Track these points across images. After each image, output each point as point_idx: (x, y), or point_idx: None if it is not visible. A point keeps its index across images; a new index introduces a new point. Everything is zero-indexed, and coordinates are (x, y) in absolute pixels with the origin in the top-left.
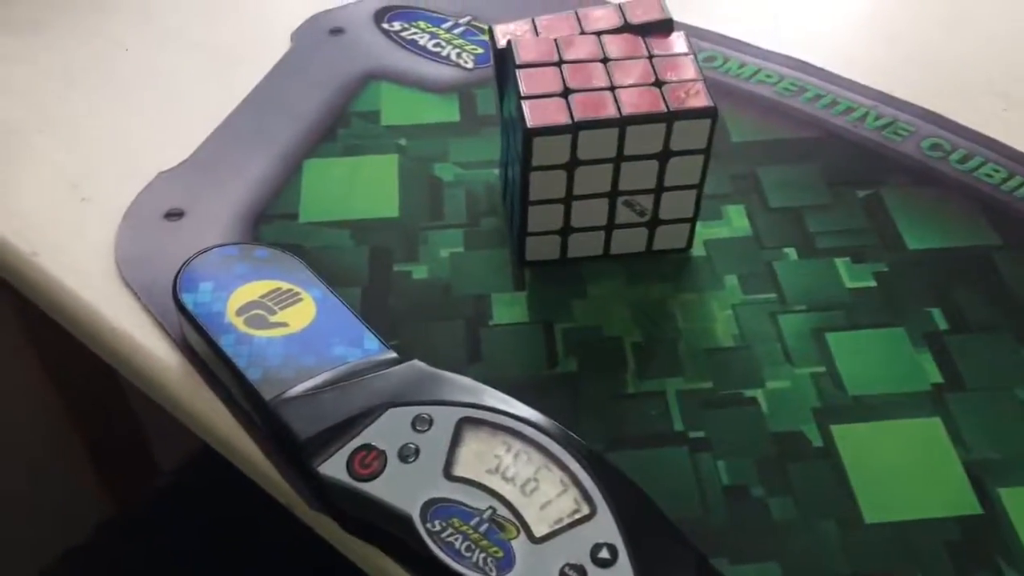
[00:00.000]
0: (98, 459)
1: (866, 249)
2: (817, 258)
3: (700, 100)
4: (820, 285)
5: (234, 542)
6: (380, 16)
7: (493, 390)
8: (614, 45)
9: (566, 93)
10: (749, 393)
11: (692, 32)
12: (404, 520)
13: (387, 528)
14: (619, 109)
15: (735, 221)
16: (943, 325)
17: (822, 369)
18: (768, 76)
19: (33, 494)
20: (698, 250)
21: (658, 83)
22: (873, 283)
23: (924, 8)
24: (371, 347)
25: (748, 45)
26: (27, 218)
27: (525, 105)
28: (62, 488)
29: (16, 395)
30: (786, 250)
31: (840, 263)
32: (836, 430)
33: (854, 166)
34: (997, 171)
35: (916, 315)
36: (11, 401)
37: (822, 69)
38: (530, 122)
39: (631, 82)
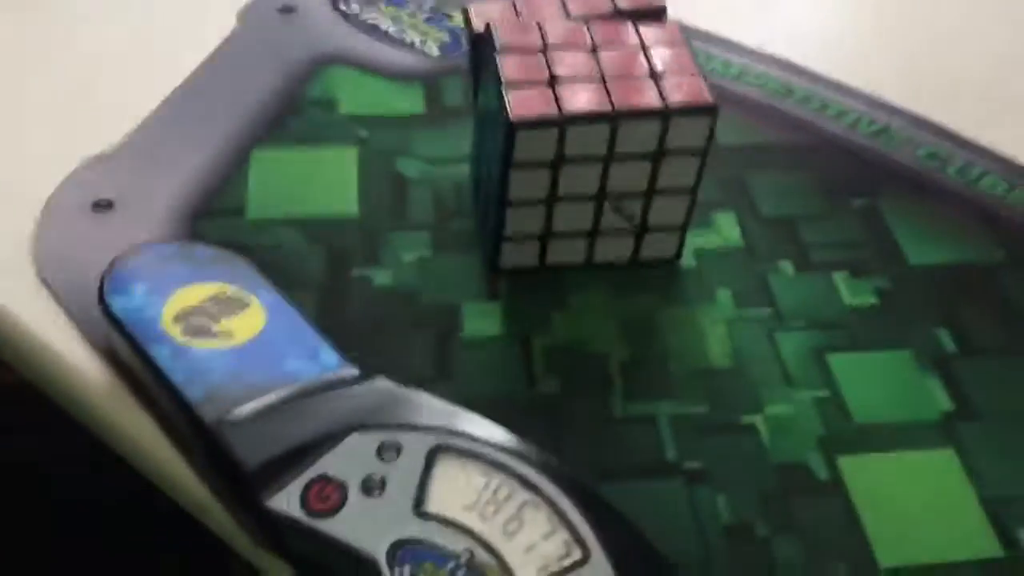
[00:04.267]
0: None
1: (865, 263)
2: (814, 272)
3: (700, 96)
4: (818, 301)
5: None
6: None
7: (469, 413)
8: (603, 32)
9: (552, 83)
10: (747, 419)
11: None
12: (368, 564)
13: (348, 573)
14: (611, 102)
15: (725, 230)
16: (951, 347)
17: (825, 393)
18: (756, 77)
19: None
20: (688, 261)
21: (653, 75)
22: (875, 300)
23: (916, 9)
24: (329, 361)
25: (733, 43)
26: None
27: (508, 94)
28: None
29: None
30: (781, 263)
31: (839, 277)
32: (843, 462)
33: (848, 174)
34: (999, 183)
35: (922, 336)
36: None
37: (811, 71)
38: (513, 113)
39: (624, 73)
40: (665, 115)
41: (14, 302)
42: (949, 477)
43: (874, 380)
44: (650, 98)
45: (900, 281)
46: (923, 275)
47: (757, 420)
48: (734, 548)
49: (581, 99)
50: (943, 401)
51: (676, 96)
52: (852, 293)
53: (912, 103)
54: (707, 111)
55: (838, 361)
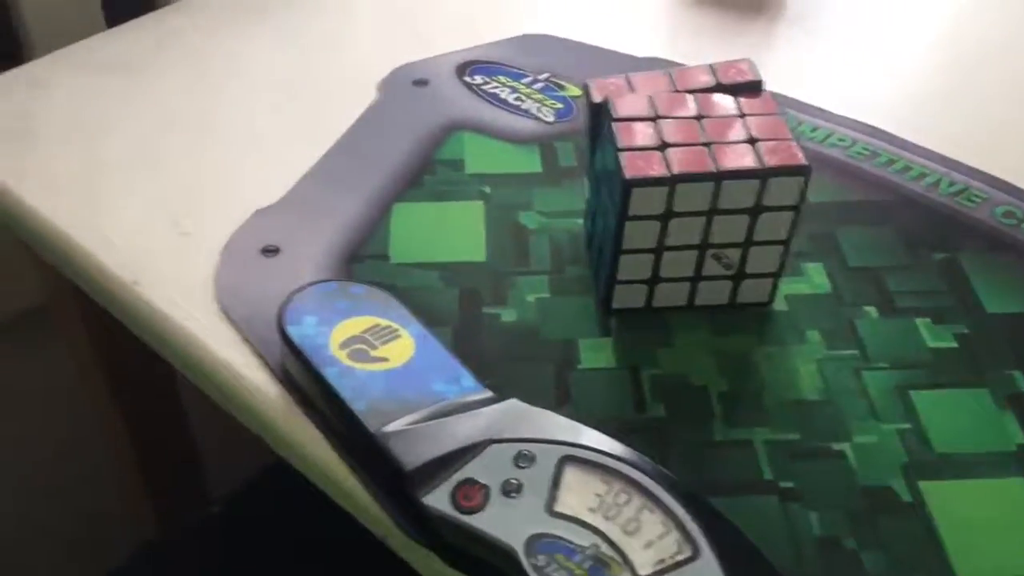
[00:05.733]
0: (150, 481)
1: (945, 311)
2: (898, 317)
3: (794, 158)
4: (902, 344)
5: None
6: (462, 70)
7: (591, 430)
8: (705, 103)
9: (663, 147)
10: (837, 446)
11: None
12: (508, 553)
13: (491, 561)
14: (715, 164)
15: (815, 278)
16: None
17: (908, 426)
18: (840, 139)
19: (78, 511)
20: (779, 305)
21: (751, 140)
22: (954, 344)
23: (988, 74)
24: (468, 385)
25: (819, 109)
26: (127, 251)
27: (623, 157)
28: (109, 506)
29: (77, 409)
30: (866, 308)
31: (920, 323)
32: (924, 486)
33: (930, 230)
34: None
35: (998, 377)
36: (73, 414)
37: (892, 134)
38: (627, 173)
39: (726, 139)
40: (763, 176)
41: (202, 331)
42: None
43: (953, 415)
44: (749, 160)
45: (978, 327)
46: (1000, 322)
47: (845, 447)
48: (824, 558)
49: (687, 161)
50: (1017, 435)
51: (772, 159)
52: (933, 337)
53: (989, 165)
54: (800, 171)
55: (920, 397)
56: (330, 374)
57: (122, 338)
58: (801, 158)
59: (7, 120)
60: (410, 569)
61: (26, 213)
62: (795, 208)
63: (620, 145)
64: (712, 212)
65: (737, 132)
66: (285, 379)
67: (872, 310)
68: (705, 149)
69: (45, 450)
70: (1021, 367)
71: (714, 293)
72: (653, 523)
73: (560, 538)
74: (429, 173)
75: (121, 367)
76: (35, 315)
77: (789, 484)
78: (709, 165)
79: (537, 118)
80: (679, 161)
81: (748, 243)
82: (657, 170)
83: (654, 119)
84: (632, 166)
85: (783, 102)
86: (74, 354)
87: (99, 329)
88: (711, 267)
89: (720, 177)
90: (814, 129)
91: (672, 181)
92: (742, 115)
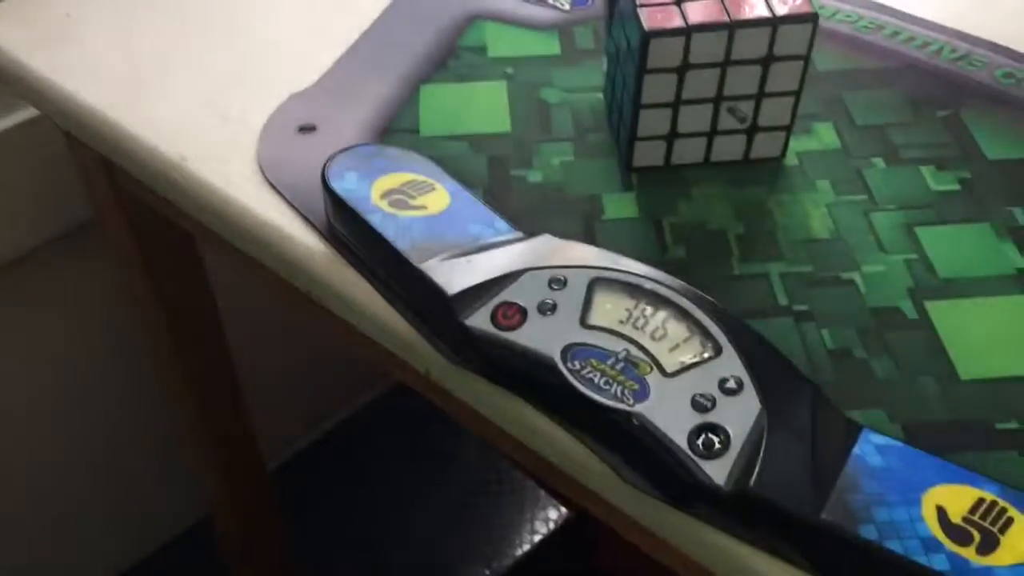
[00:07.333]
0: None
1: (948, 159)
2: (903, 166)
3: (803, 7)
4: (907, 188)
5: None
6: None
7: (619, 255)
8: None
9: (679, 2)
10: (847, 275)
11: None
12: (547, 362)
13: (531, 371)
14: (728, 15)
15: (824, 136)
16: None
17: (914, 256)
18: (848, 15)
19: (127, 472)
20: (790, 160)
21: None
22: (957, 187)
23: None
24: (502, 227)
25: None
26: (171, 132)
27: (641, 12)
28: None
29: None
30: (873, 159)
31: (925, 170)
32: (930, 306)
33: (933, 91)
34: None
35: (999, 213)
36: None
37: (896, 9)
38: (646, 25)
39: None
40: (774, 23)
41: (248, 198)
42: (1022, 315)
43: (957, 246)
44: (760, 10)
45: (979, 172)
46: (1000, 167)
47: (855, 276)
48: (836, 365)
49: (702, 13)
50: (1018, 260)
51: (782, 8)
52: (937, 182)
53: (990, 34)
54: (809, 19)
55: (925, 232)
56: (374, 220)
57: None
58: (809, 7)
59: (50, 23)
60: None
61: (77, 106)
62: (804, 58)
63: (639, 1)
64: (726, 63)
65: None
66: (330, 235)
67: (879, 160)
68: (719, 2)
69: (89, 376)
70: (1021, 204)
71: (729, 148)
72: (678, 330)
73: (593, 346)
74: (454, 58)
75: (163, 274)
76: (81, 231)
77: (803, 307)
78: (723, 15)
79: (554, 7)
80: (695, 14)
81: (761, 94)
82: (675, 22)
83: None
84: (651, 19)
85: None
86: (120, 260)
87: (145, 234)
88: (726, 121)
89: (733, 26)
90: (820, 6)
91: (688, 31)
92: None
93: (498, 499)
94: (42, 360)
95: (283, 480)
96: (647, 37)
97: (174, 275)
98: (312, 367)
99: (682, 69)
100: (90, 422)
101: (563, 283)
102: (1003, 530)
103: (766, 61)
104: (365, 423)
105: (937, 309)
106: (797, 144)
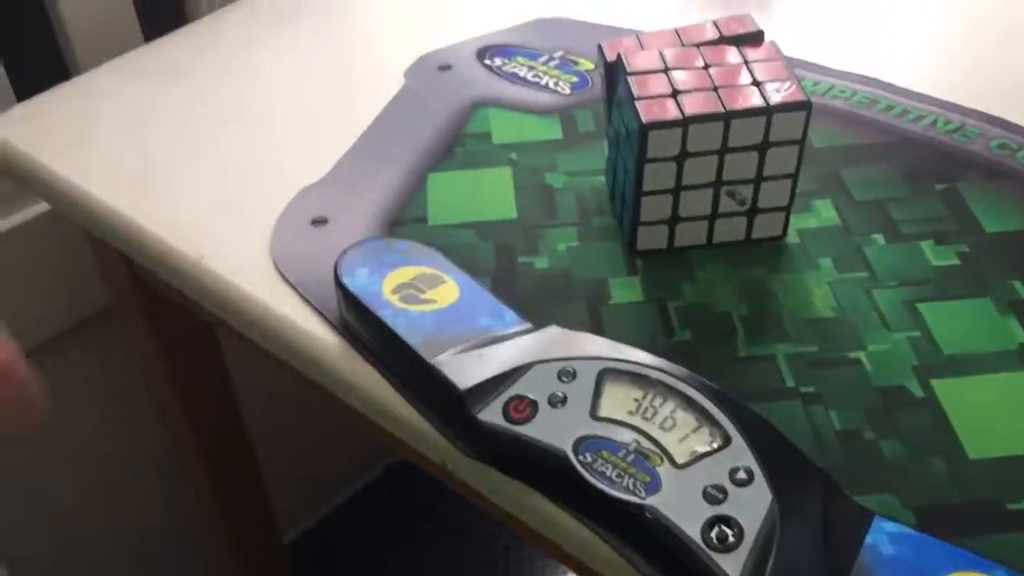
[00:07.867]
0: (225, 512)
1: (947, 233)
2: (903, 242)
3: (795, 95)
4: (908, 264)
5: None
6: (482, 54)
7: (626, 346)
8: (711, 54)
9: (675, 94)
10: (852, 355)
11: None
12: (559, 455)
13: (544, 464)
14: (723, 105)
15: (823, 213)
16: None
17: (917, 333)
18: (842, 91)
19: (143, 524)
20: (791, 238)
21: (756, 83)
22: (957, 261)
23: (980, 21)
24: (511, 319)
25: (820, 66)
26: (188, 230)
27: (639, 105)
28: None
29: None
30: (873, 235)
31: (924, 245)
32: (936, 383)
33: (929, 165)
34: None
35: (999, 287)
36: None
37: (889, 83)
38: (644, 118)
39: (732, 84)
40: (768, 112)
41: (263, 294)
42: None
43: (959, 322)
44: (755, 99)
45: (979, 246)
46: (998, 240)
47: (860, 355)
48: (845, 447)
49: (698, 105)
50: (1020, 334)
51: (776, 98)
52: (937, 257)
53: (981, 104)
54: (802, 107)
55: (928, 309)
56: (385, 315)
57: (179, 330)
58: (802, 95)
59: (67, 124)
60: None
61: (94, 206)
62: (799, 142)
63: (636, 95)
64: (724, 150)
65: (742, 77)
66: (343, 329)
67: (879, 237)
68: (714, 93)
69: (106, 448)
70: (1021, 277)
71: (731, 229)
72: (687, 420)
73: (604, 438)
74: (459, 145)
75: (179, 356)
76: (98, 319)
77: (810, 389)
78: (718, 107)
79: (555, 91)
80: (691, 105)
81: (759, 178)
82: (671, 114)
83: (665, 71)
84: (648, 112)
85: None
86: (137, 347)
87: (162, 321)
88: (726, 204)
89: (729, 116)
90: (815, 84)
91: (685, 123)
92: (746, 62)
93: (518, 565)
94: (58, 444)
95: (298, 551)
96: (645, 129)
97: (191, 359)
98: (326, 439)
99: (681, 157)
100: (112, 506)
101: (572, 375)
102: None
103: (762, 147)
104: (381, 490)
105: (943, 387)
106: (798, 221)
